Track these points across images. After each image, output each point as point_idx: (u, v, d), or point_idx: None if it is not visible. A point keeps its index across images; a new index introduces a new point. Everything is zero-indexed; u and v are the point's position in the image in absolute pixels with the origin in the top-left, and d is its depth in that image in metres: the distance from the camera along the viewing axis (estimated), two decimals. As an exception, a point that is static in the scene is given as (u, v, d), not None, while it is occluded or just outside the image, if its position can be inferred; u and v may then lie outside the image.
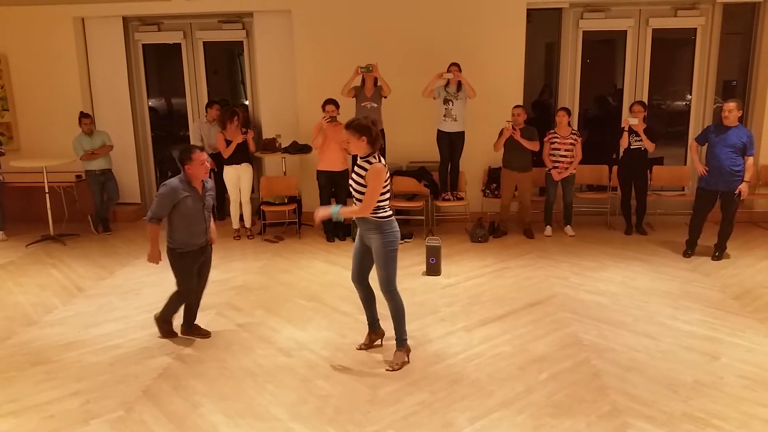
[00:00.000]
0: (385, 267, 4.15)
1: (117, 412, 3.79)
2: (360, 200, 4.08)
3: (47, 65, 8.43)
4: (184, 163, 4.41)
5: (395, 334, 4.32)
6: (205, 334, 4.85)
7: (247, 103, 8.85)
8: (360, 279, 4.38)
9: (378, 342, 4.61)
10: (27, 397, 3.98)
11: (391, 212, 4.18)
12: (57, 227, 7.83)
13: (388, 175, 4.14)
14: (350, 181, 4.18)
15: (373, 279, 4.33)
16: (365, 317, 4.60)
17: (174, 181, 4.44)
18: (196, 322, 4.89)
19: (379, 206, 4.08)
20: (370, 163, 4.05)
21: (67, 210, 8.35)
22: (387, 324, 4.49)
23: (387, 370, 4.26)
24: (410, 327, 4.88)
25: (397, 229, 4.20)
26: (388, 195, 4.15)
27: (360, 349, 4.55)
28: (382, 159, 4.11)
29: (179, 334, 4.85)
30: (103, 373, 4.27)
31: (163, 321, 4.82)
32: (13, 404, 3.89)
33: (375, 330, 4.58)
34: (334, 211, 4.09)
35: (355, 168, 4.15)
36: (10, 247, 7.43)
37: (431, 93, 7.28)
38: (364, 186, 4.05)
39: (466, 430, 3.53)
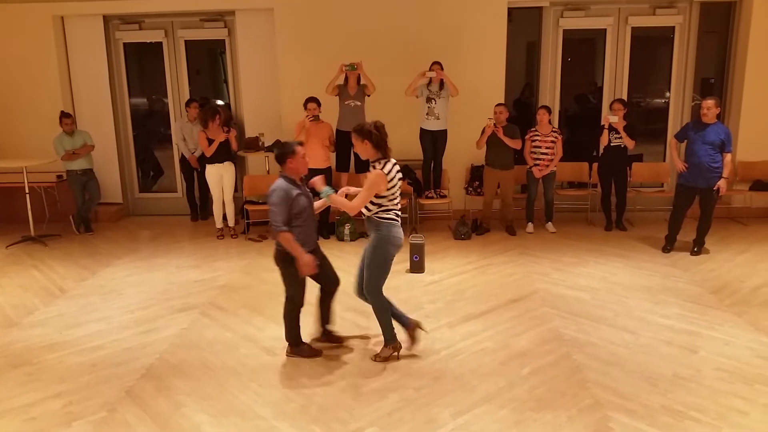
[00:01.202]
0: (372, 269, 4.18)
1: (100, 413, 3.77)
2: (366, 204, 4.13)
3: (27, 64, 8.34)
4: (287, 158, 4.15)
5: (382, 332, 4.33)
6: (339, 339, 4.59)
7: (219, 102, 8.79)
8: (360, 290, 4.36)
9: (395, 354, 4.45)
10: (8, 399, 3.95)
11: (393, 216, 4.15)
12: (38, 228, 7.76)
13: (397, 179, 4.13)
14: None
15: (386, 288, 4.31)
16: (349, 316, 4.62)
17: (282, 183, 4.13)
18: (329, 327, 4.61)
19: (381, 206, 4.10)
20: (374, 168, 4.09)
21: (48, 210, 8.28)
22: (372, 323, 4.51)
23: (371, 358, 4.35)
24: (394, 324, 4.90)
25: (396, 235, 4.15)
26: (394, 199, 4.14)
27: (409, 347, 4.48)
28: (387, 165, 4.09)
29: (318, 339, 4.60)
30: (86, 374, 4.25)
31: (296, 344, 4.43)
32: (-6, 406, 3.87)
33: (408, 326, 4.44)
34: (326, 190, 4.15)
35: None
36: (-11, 248, 7.36)
37: (414, 92, 7.31)
38: None
39: (449, 426, 3.56)
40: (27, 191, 7.46)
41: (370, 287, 4.21)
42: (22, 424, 3.66)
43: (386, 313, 4.30)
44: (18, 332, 4.97)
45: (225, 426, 3.61)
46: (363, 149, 4.14)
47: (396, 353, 4.36)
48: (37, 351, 4.62)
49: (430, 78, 7.27)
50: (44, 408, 3.84)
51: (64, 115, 7.62)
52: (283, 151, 4.17)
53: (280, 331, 4.85)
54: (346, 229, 7.35)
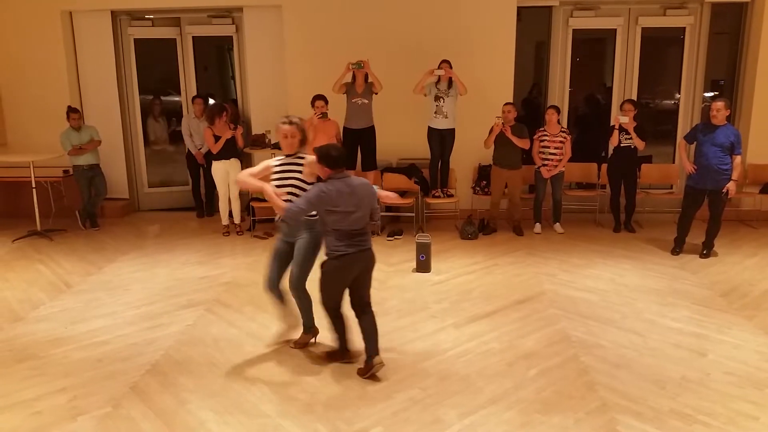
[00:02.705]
0: (304, 265, 4.24)
1: (104, 408, 3.76)
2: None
3: (35, 59, 8.34)
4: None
5: (305, 321, 4.51)
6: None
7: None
8: (275, 284, 4.38)
9: (312, 340, 4.63)
10: (13, 393, 3.95)
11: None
12: (44, 222, 7.76)
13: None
14: (290, 179, 4.22)
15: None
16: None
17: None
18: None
19: None
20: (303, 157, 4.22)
21: (54, 205, 8.28)
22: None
23: (290, 346, 4.53)
24: (400, 323, 4.90)
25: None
26: None
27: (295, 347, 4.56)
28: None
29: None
30: (91, 369, 4.24)
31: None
32: (-1, 401, 3.87)
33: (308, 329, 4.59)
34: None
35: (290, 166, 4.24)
36: (-4, 242, 7.37)
37: (422, 90, 7.27)
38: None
39: (455, 427, 3.54)
40: (34, 186, 7.46)
41: (300, 283, 4.28)
42: (27, 418, 3.66)
43: (311, 305, 4.46)
44: (24, 326, 4.97)
45: (230, 423, 3.59)
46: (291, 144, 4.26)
47: (314, 339, 4.57)
48: (42, 345, 4.62)
49: (439, 76, 7.23)
50: (49, 402, 3.83)
51: (71, 110, 7.62)
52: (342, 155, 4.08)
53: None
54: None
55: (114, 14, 8.42)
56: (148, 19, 8.49)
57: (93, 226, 7.97)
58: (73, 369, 4.25)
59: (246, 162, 8.20)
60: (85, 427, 3.57)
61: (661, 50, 8.28)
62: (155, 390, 3.97)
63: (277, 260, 4.33)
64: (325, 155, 3.94)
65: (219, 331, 4.83)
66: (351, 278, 4.05)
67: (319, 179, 4.08)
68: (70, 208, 8.17)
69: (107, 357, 4.42)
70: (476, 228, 7.38)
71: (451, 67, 7.20)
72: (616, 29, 8.12)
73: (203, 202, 8.55)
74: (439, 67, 7.18)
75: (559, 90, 8.32)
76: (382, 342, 4.57)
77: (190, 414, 3.69)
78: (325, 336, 4.56)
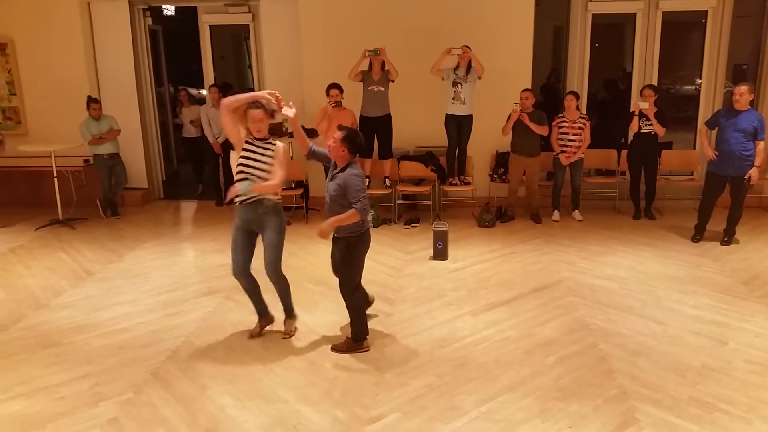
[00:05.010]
0: (279, 248, 4.36)
1: (126, 394, 3.82)
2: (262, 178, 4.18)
3: (54, 50, 8.41)
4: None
5: (285, 307, 4.59)
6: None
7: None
8: (246, 270, 4.44)
9: (269, 327, 4.64)
10: (37, 379, 4.02)
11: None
12: (65, 211, 7.85)
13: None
14: (253, 162, 4.19)
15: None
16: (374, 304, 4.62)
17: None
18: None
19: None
20: (275, 144, 4.23)
21: (75, 194, 8.37)
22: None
23: (283, 338, 4.50)
24: (417, 311, 4.91)
25: None
26: None
27: (252, 337, 4.53)
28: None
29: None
30: (112, 356, 4.30)
31: (362, 339, 4.34)
32: (24, 386, 3.93)
33: (266, 317, 4.62)
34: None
35: (257, 149, 4.22)
36: (19, 231, 7.47)
37: (440, 72, 7.21)
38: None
39: (473, 413, 3.54)
40: (55, 175, 7.55)
41: (277, 266, 4.40)
42: (50, 404, 3.73)
43: (289, 289, 4.57)
44: (47, 314, 5.05)
45: (249, 408, 3.63)
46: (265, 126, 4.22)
47: (296, 324, 4.62)
48: (65, 332, 4.69)
49: (458, 62, 7.17)
50: (72, 388, 3.89)
51: (91, 100, 7.68)
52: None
53: (303, 315, 4.87)
54: (369, 216, 7.32)
55: (131, 4, 8.46)
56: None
57: (114, 215, 8.06)
58: (95, 355, 4.31)
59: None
60: (107, 412, 3.63)
61: (682, 34, 8.14)
62: (175, 376, 4.02)
63: (237, 249, 4.39)
64: (352, 140, 4.05)
65: (238, 318, 4.87)
66: None
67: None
68: (91, 197, 8.26)
69: (128, 344, 4.48)
70: (494, 216, 7.35)
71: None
72: (636, 13, 7.99)
73: (222, 190, 8.61)
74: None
75: (578, 76, 8.22)
76: (400, 330, 4.60)
77: (210, 399, 3.74)
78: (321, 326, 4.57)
